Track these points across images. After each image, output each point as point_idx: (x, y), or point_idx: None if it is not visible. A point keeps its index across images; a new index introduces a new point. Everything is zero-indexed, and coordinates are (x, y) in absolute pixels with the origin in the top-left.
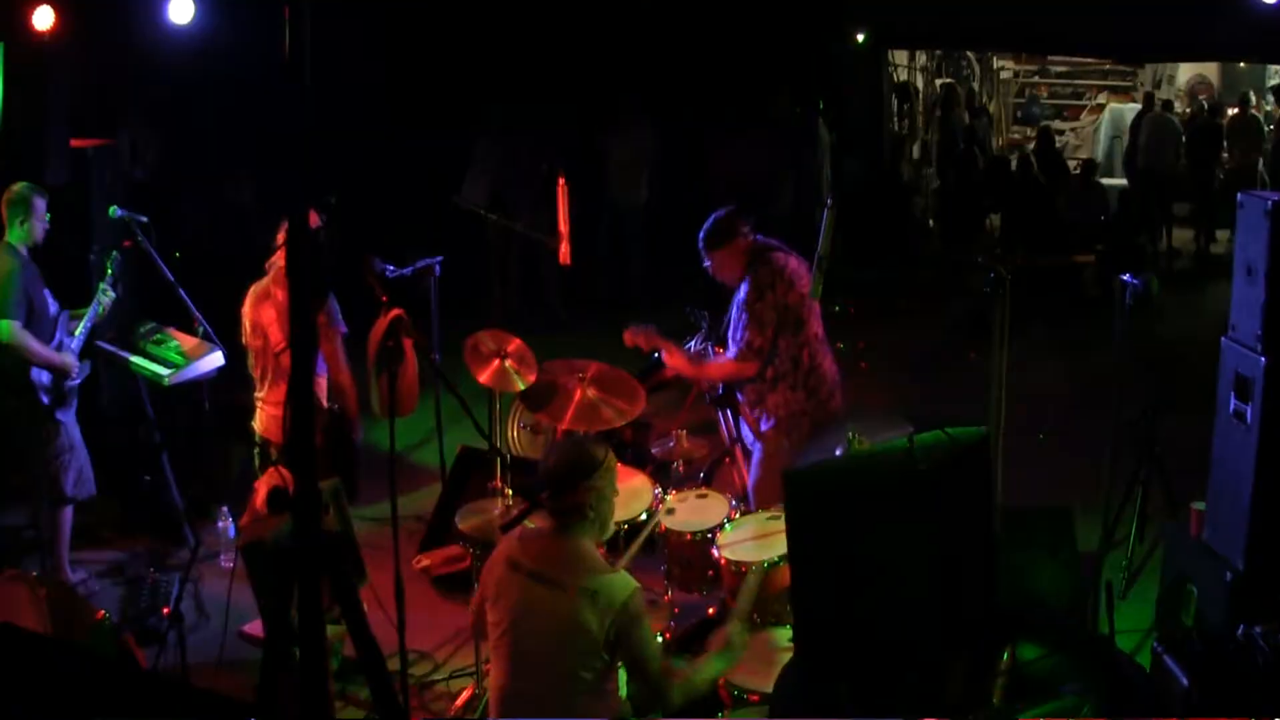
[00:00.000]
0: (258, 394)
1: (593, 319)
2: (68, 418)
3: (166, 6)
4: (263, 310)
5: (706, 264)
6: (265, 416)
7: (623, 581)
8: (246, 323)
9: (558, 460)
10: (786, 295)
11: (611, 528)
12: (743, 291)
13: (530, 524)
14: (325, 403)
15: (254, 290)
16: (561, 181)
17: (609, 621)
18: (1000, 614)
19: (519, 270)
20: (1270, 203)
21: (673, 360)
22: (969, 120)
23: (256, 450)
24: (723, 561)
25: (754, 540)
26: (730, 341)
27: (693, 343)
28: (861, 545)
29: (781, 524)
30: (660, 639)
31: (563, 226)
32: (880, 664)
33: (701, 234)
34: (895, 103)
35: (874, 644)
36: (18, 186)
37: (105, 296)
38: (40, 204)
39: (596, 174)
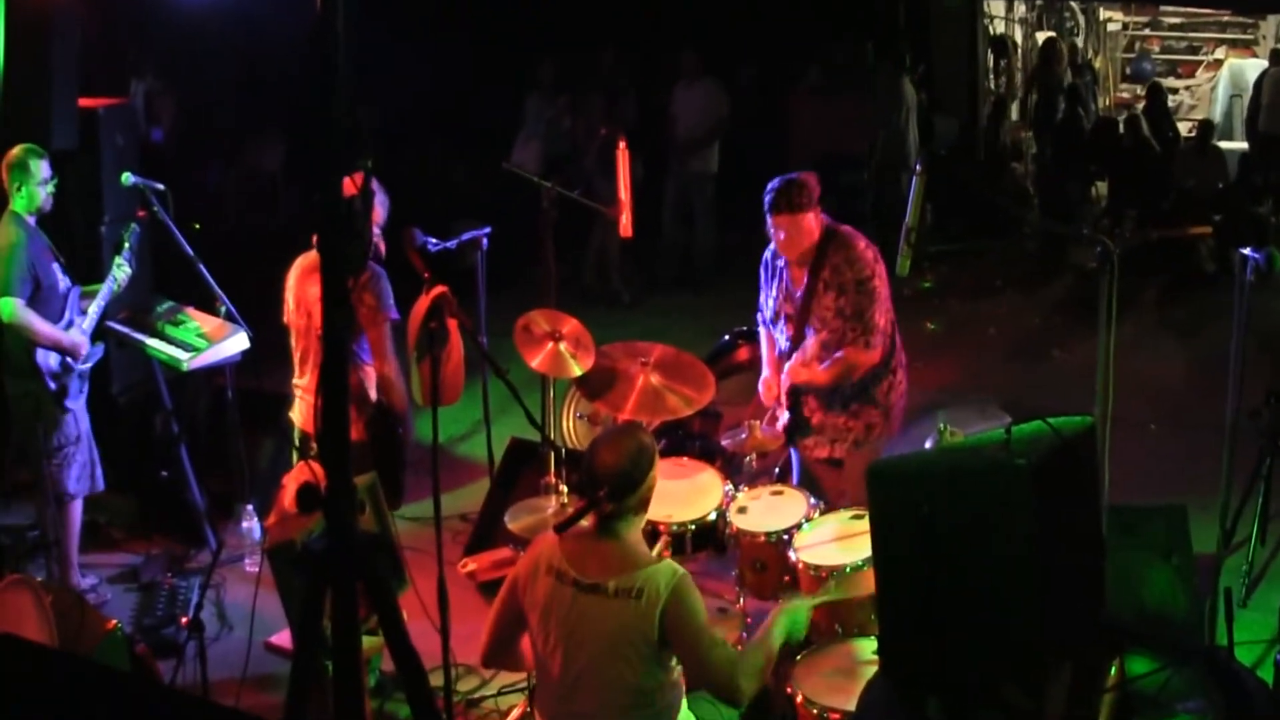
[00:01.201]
0: (297, 380)
1: (657, 297)
2: (77, 406)
3: None
4: (308, 285)
5: (775, 231)
6: (305, 407)
7: (667, 567)
8: (290, 298)
9: (616, 455)
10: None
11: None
12: (835, 269)
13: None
14: (373, 396)
15: (301, 262)
16: (622, 145)
17: (657, 612)
18: (1108, 623)
19: (576, 244)
20: None
21: (807, 376)
22: (1072, 78)
23: (295, 446)
24: (800, 565)
25: (835, 542)
26: (816, 326)
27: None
28: (953, 547)
29: (865, 524)
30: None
31: (624, 195)
32: (974, 679)
33: (774, 194)
34: (991, 58)
35: (967, 656)
36: (13, 150)
37: (121, 271)
38: (39, 167)
39: (661, 137)
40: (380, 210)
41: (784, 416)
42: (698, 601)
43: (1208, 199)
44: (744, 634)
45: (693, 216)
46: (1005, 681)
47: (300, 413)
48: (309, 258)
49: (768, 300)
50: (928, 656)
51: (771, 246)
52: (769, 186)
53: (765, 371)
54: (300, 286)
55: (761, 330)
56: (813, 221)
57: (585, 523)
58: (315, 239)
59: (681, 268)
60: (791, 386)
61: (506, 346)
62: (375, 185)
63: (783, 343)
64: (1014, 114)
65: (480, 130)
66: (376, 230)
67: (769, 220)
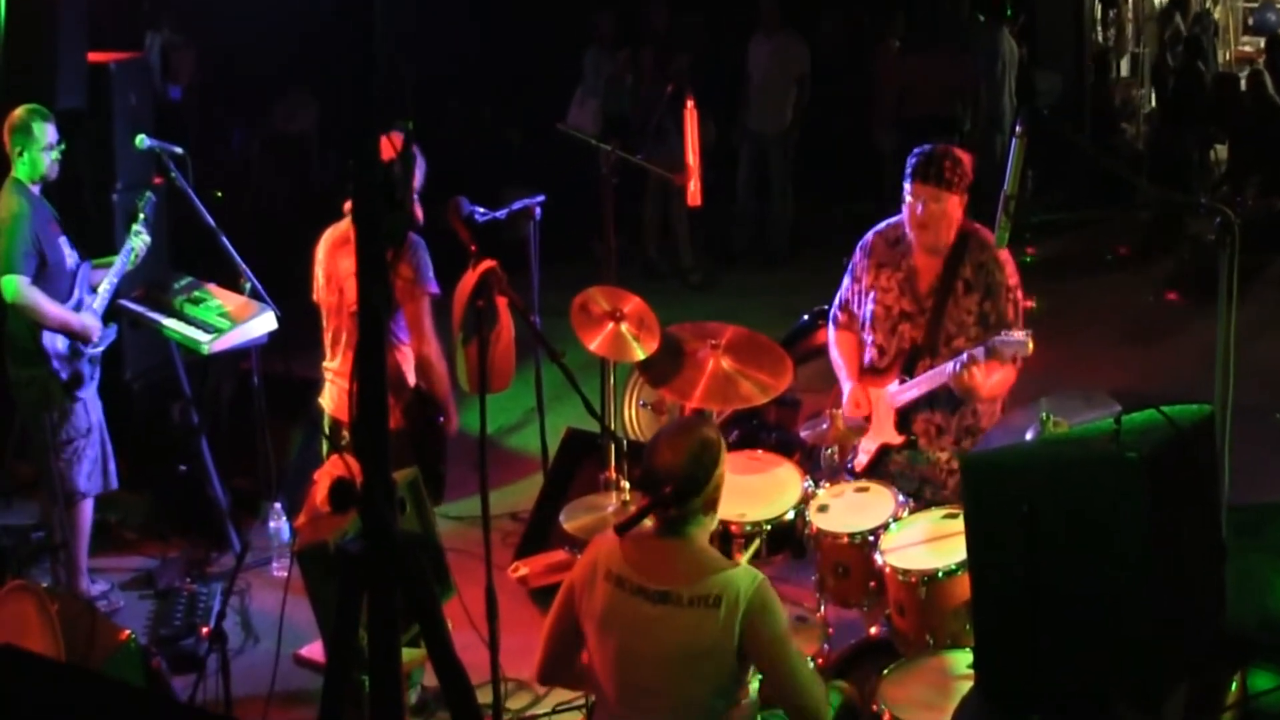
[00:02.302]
0: (328, 363)
1: (729, 273)
2: (87, 394)
3: None
4: (340, 259)
5: (914, 203)
6: (337, 392)
7: (745, 572)
8: (319, 273)
9: (676, 454)
10: None
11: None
12: (979, 268)
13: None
14: (411, 380)
15: (331, 234)
16: (690, 105)
17: (735, 622)
18: (1229, 634)
19: (640, 213)
20: None
21: (971, 385)
22: (1189, 29)
23: (325, 434)
24: (887, 570)
25: (926, 544)
26: (951, 330)
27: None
28: (1057, 549)
29: (960, 524)
30: (811, 664)
31: (691, 160)
32: (1080, 694)
33: (924, 159)
34: (1099, 9)
35: (1073, 670)
36: (15, 111)
37: (138, 240)
38: (44, 130)
39: (733, 95)
40: (418, 175)
41: (875, 442)
42: (781, 610)
43: None
44: (825, 645)
45: (768, 184)
46: (1116, 698)
47: (331, 398)
48: (339, 228)
49: (860, 294)
50: (1029, 670)
51: (877, 229)
52: (916, 150)
53: (846, 381)
54: (331, 260)
55: (833, 330)
56: (958, 207)
57: (648, 524)
58: (347, 208)
59: (756, 240)
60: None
61: (562, 327)
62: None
63: (876, 348)
64: (1124, 69)
65: (533, 88)
66: (414, 196)
67: (908, 188)
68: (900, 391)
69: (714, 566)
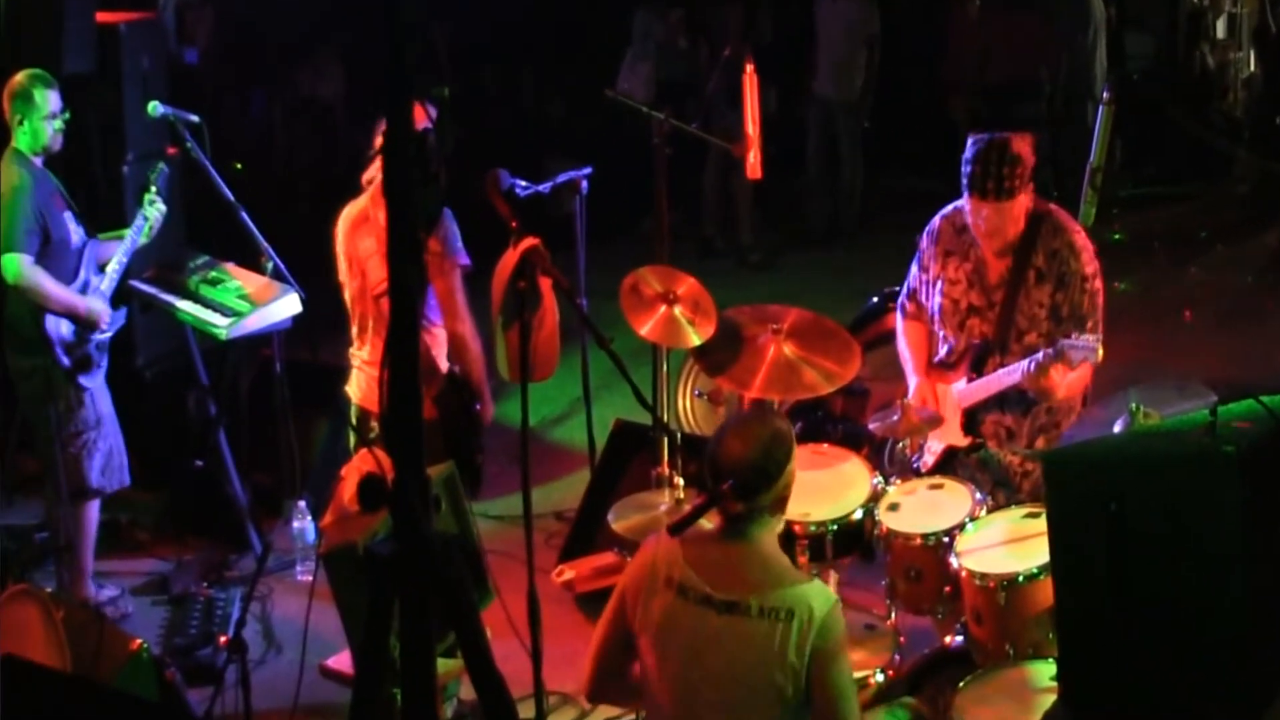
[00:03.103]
0: (354, 350)
1: (792, 251)
2: (95, 383)
3: None
4: (359, 239)
5: (973, 217)
6: (364, 380)
7: (819, 589)
8: (340, 256)
9: (745, 444)
10: None
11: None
12: (1051, 256)
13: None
14: (443, 364)
15: (348, 213)
16: (750, 69)
17: (808, 641)
18: None
19: (696, 187)
20: None
21: (1044, 386)
22: None
23: (351, 426)
24: (963, 574)
25: (1005, 545)
26: (1023, 326)
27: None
28: (1147, 550)
29: (1042, 524)
30: (879, 675)
31: (751, 129)
32: (1173, 706)
33: (977, 169)
34: None
35: (1164, 680)
36: (16, 77)
37: (153, 209)
38: (47, 97)
39: (798, 58)
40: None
41: (940, 444)
42: (845, 637)
43: None
44: (896, 655)
45: (837, 155)
46: (1211, 710)
47: (358, 386)
48: (358, 205)
49: (927, 284)
50: (1117, 682)
51: (944, 213)
52: (969, 153)
53: (912, 377)
54: (350, 241)
55: (901, 320)
56: (1025, 202)
57: (708, 524)
58: (366, 180)
59: (823, 214)
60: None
61: (611, 310)
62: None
63: (945, 343)
64: (1219, 31)
65: (579, 51)
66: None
67: (965, 200)
68: (968, 392)
69: (787, 578)
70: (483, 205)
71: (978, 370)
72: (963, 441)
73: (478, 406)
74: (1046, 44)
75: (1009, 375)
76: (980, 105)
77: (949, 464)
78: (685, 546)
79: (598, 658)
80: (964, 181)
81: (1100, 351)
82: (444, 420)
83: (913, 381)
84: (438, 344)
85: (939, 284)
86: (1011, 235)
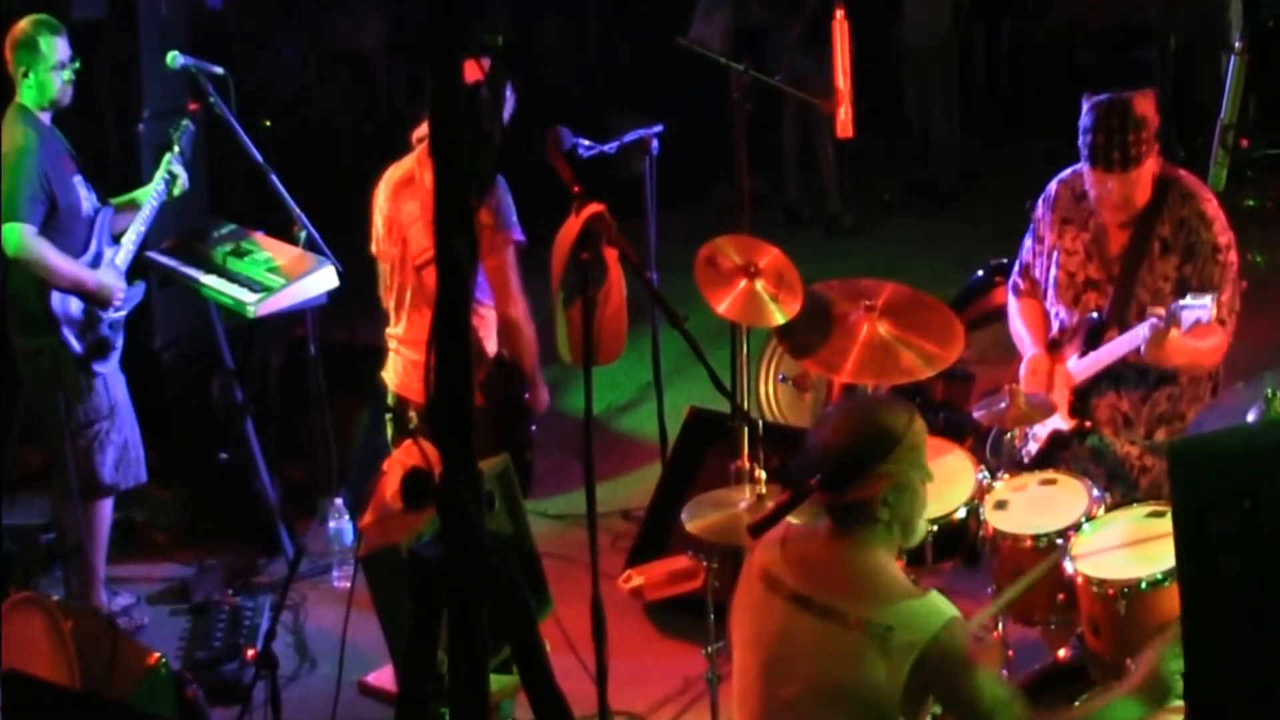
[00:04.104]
0: (391, 330)
1: (888, 218)
2: (107, 367)
3: None
4: (403, 202)
5: (1095, 188)
6: (402, 364)
7: (933, 608)
8: (379, 221)
9: (836, 434)
10: None
11: (921, 530)
12: (1179, 225)
13: (794, 518)
14: (490, 348)
15: (391, 175)
16: (840, 15)
17: (908, 668)
18: None
19: (781, 146)
20: None
21: (1160, 354)
22: None
23: (389, 415)
24: (1079, 580)
25: (1126, 548)
26: (1146, 300)
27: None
28: None
29: (1167, 524)
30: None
31: (841, 82)
32: None
33: (1099, 138)
34: None
35: None
36: (19, 24)
37: (175, 171)
38: (54, 45)
39: (888, 3)
40: (506, 108)
41: (1046, 428)
42: (967, 654)
43: None
44: (1004, 670)
45: (929, 109)
46: None
47: (395, 372)
48: (402, 166)
49: (1043, 258)
50: (1251, 700)
51: (1061, 177)
52: (1086, 120)
53: (1030, 350)
54: (393, 204)
55: (1013, 300)
56: (1151, 169)
57: (824, 527)
58: (416, 137)
59: (919, 175)
60: (1083, 384)
61: (685, 285)
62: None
63: (1058, 320)
64: None
65: None
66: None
67: (1087, 171)
68: (1079, 368)
69: (895, 591)
70: (541, 168)
71: (1092, 347)
72: (1069, 424)
73: (526, 395)
74: None
75: (1120, 346)
76: (1092, 54)
77: (1056, 452)
78: (786, 541)
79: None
80: (1084, 152)
81: (1213, 310)
82: (492, 410)
83: (1029, 354)
84: (485, 326)
85: (1055, 254)
86: (1140, 204)
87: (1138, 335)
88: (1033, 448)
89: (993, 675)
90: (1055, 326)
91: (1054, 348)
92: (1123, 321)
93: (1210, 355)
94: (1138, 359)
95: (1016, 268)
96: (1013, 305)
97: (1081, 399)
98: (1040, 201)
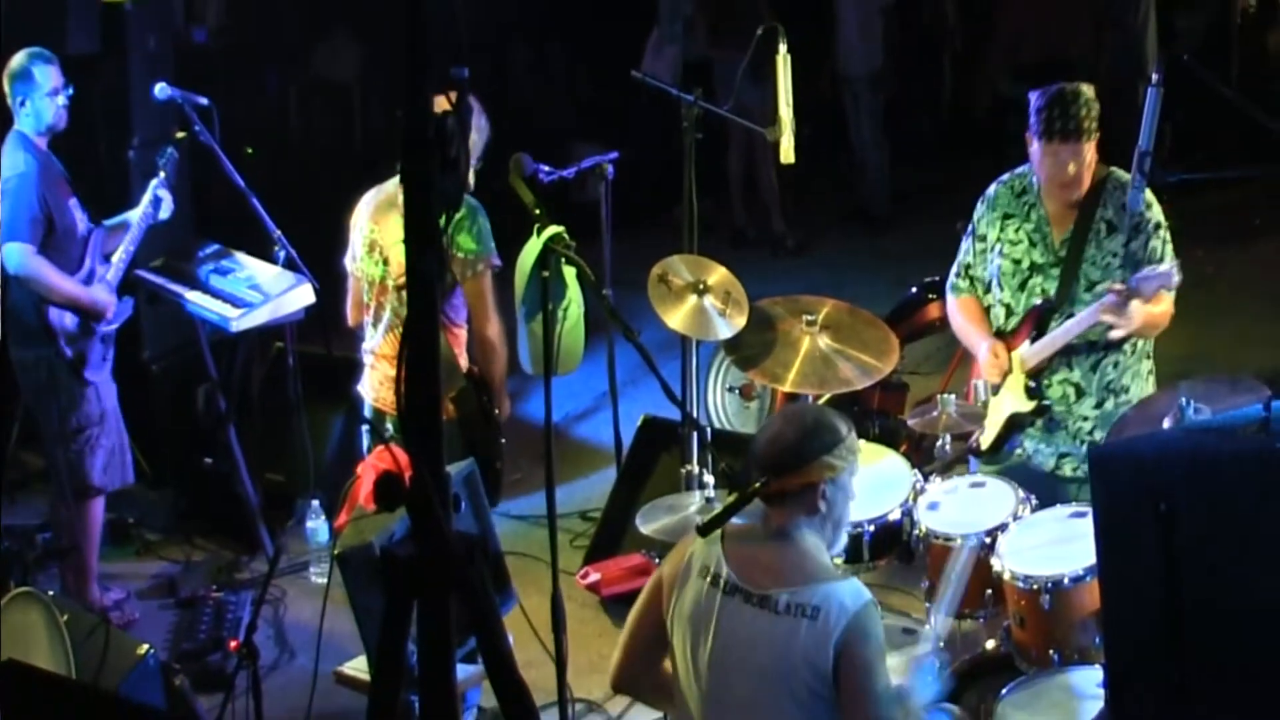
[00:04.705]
0: (368, 345)
1: (828, 237)
2: (99, 377)
3: None
4: (385, 225)
5: (1048, 163)
6: (379, 378)
7: (852, 589)
8: (358, 240)
9: (785, 425)
10: None
11: (845, 536)
12: (1121, 208)
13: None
14: (463, 363)
15: (376, 197)
16: (782, 49)
17: (830, 640)
18: None
19: (728, 172)
20: None
21: (1119, 320)
22: None
23: (368, 425)
24: (1006, 575)
25: (1050, 546)
26: (1095, 277)
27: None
28: (1199, 553)
29: (1088, 524)
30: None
31: (784, 112)
32: (1226, 717)
33: (1053, 112)
34: None
35: (1218, 693)
36: (14, 57)
37: (163, 193)
38: (48, 74)
39: (825, 36)
40: (479, 138)
41: (994, 421)
42: (881, 641)
43: None
44: (935, 661)
45: (860, 129)
46: None
47: (371, 386)
48: (384, 191)
49: (984, 252)
50: (1167, 692)
51: (1001, 179)
52: (1037, 103)
53: (981, 340)
54: (379, 226)
55: (953, 299)
56: (1094, 155)
57: (761, 524)
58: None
59: (854, 197)
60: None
61: (639, 301)
62: (476, 107)
63: (1004, 307)
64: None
65: (604, 34)
66: (471, 162)
67: (1041, 148)
68: (1035, 350)
69: (821, 575)
70: (504, 190)
71: (1041, 330)
72: (1026, 406)
73: (497, 411)
74: (1090, 20)
75: (1078, 324)
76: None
77: (1012, 434)
78: (725, 539)
79: (628, 645)
80: (1037, 129)
81: (1177, 276)
82: (465, 423)
83: (983, 346)
84: (459, 344)
85: (998, 247)
86: (1085, 187)
87: (1094, 312)
88: (990, 434)
89: (886, 667)
90: (1002, 313)
91: (1002, 336)
92: (1072, 300)
93: (1164, 316)
94: (1095, 333)
95: (955, 270)
96: (953, 304)
97: (1036, 380)
98: (980, 203)
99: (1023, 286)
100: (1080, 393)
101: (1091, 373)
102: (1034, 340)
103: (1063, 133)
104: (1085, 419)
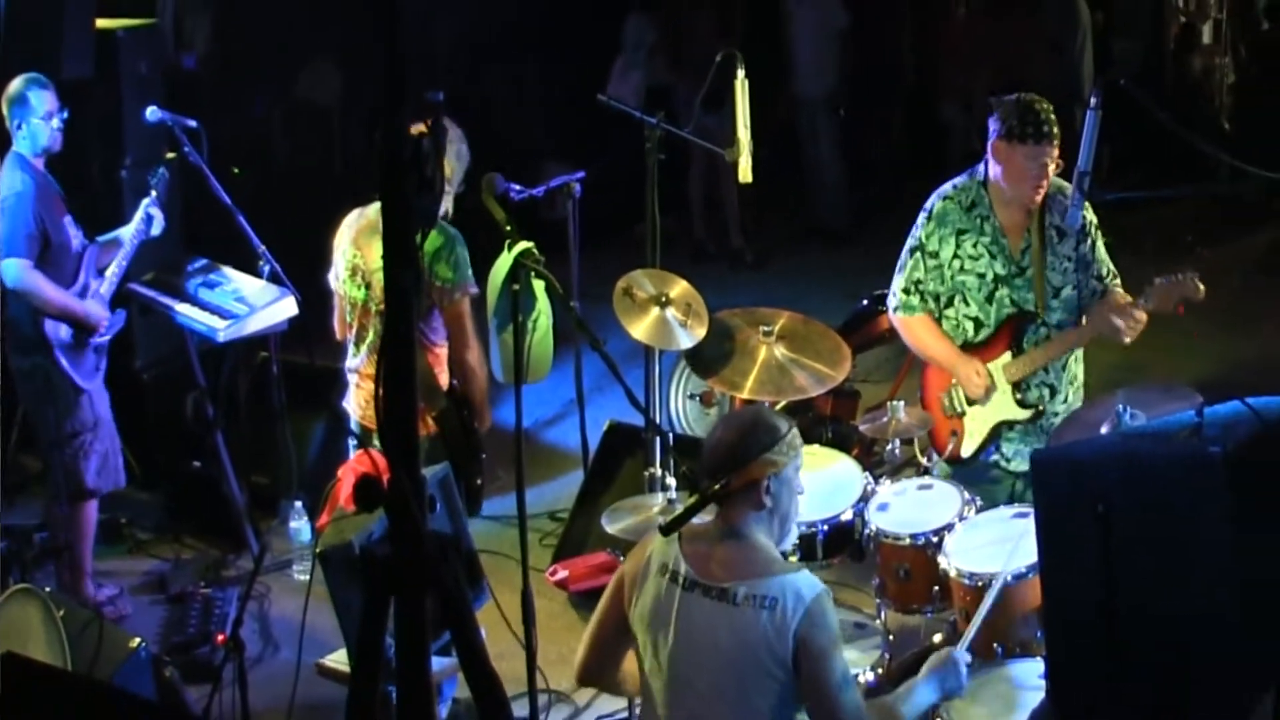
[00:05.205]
0: (352, 364)
1: (783, 254)
2: (93, 385)
3: None
4: (370, 250)
5: (1029, 165)
6: (364, 396)
7: (806, 580)
8: (341, 262)
9: (726, 430)
10: None
11: (795, 531)
12: (1065, 214)
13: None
14: (443, 381)
15: (356, 221)
16: (740, 74)
17: (789, 629)
18: None
19: (689, 190)
20: None
21: (1121, 323)
22: None
23: (355, 436)
24: (952, 573)
25: (994, 545)
26: (1056, 282)
27: None
28: (1134, 552)
29: (1030, 524)
30: (870, 674)
31: (742, 133)
32: (1160, 708)
33: (1035, 117)
34: None
35: (1152, 683)
36: (11, 83)
37: (154, 210)
38: (43, 98)
39: (778, 60)
40: (458, 166)
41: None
42: (835, 628)
43: None
44: (885, 654)
45: (817, 148)
46: (1199, 715)
47: (357, 403)
48: (365, 215)
49: (939, 269)
50: (1104, 682)
51: (943, 193)
52: (1006, 109)
53: (954, 356)
54: (362, 249)
55: (903, 316)
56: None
57: (713, 523)
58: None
59: (810, 214)
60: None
61: (604, 313)
62: (457, 135)
63: (972, 321)
64: (1205, 37)
65: (571, 58)
66: (450, 187)
67: (1009, 151)
68: (1024, 363)
69: (775, 567)
70: (476, 209)
71: (1017, 338)
72: (1021, 414)
73: (477, 428)
74: (1033, 49)
75: (1080, 337)
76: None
77: (995, 441)
78: (682, 538)
79: (591, 642)
80: (1008, 134)
81: (1201, 288)
82: (445, 438)
83: (960, 363)
84: (440, 363)
85: (956, 264)
86: (1044, 189)
87: (1109, 328)
88: (970, 443)
89: (842, 652)
90: (970, 327)
91: (979, 349)
92: (1047, 309)
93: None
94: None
95: (902, 286)
96: (905, 321)
97: (1023, 390)
98: (922, 217)
99: (990, 299)
100: (1054, 392)
101: (1062, 371)
102: (1015, 353)
103: (1035, 135)
104: (1056, 415)
